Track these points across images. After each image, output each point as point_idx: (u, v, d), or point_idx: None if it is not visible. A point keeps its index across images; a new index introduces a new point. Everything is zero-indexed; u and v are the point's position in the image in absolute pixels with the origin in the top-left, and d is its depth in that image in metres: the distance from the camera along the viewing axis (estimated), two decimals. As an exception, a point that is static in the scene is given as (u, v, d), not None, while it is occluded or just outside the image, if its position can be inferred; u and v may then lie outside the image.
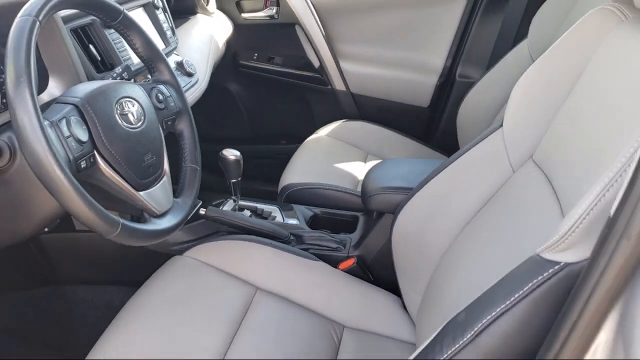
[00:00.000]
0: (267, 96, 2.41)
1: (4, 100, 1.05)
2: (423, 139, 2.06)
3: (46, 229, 1.03)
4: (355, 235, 1.47)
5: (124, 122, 0.95)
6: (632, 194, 0.45)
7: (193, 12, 1.95)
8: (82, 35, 1.18)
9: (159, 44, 1.41)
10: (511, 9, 1.94)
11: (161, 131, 1.06)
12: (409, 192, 1.20)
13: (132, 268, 1.30)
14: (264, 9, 2.21)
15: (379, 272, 1.39)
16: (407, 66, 2.16)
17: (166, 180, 1.04)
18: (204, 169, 1.21)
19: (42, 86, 1.07)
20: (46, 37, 1.05)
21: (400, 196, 1.25)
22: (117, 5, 1.02)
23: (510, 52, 1.78)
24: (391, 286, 1.29)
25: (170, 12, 1.63)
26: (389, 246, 1.26)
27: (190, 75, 1.49)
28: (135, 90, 1.01)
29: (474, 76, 2.00)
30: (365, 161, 1.85)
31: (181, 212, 1.05)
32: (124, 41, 1.28)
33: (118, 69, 1.14)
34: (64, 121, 0.85)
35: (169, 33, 1.54)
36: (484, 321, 0.66)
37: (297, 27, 2.20)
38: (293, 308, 1.20)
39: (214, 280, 1.22)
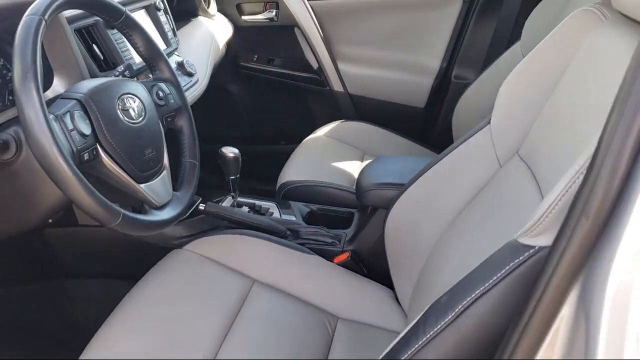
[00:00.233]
0: (267, 97, 2.45)
1: (10, 97, 1.10)
2: (419, 138, 2.10)
3: (50, 220, 1.07)
4: (350, 231, 1.51)
5: (126, 117, 0.99)
6: (590, 177, 0.48)
7: (194, 15, 2.00)
8: (86, 35, 1.22)
9: (160, 44, 1.46)
10: (505, 12, 1.98)
11: (161, 127, 1.10)
12: (402, 188, 1.23)
13: (133, 262, 1.33)
14: (263, 12, 2.25)
15: (372, 266, 1.43)
16: (404, 67, 2.20)
17: (166, 174, 1.08)
18: (205, 168, 1.25)
19: (47, 84, 1.11)
20: (51, 37, 1.09)
21: (393, 192, 1.28)
22: (120, 6, 1.06)
23: (503, 54, 1.82)
24: (384, 279, 1.32)
25: (172, 14, 1.67)
26: (383, 240, 1.30)
27: (190, 75, 1.53)
28: (137, 87, 1.06)
29: (469, 77, 2.04)
30: (362, 160, 1.88)
31: (180, 204, 1.09)
32: (126, 41, 1.32)
33: (120, 68, 1.18)
34: (68, 115, 0.89)
35: (170, 34, 1.58)
36: (464, 302, 0.70)
37: (296, 29, 2.24)
38: (289, 300, 1.24)
39: (212, 272, 1.25)
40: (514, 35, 1.88)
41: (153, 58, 1.15)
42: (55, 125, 0.85)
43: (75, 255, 1.50)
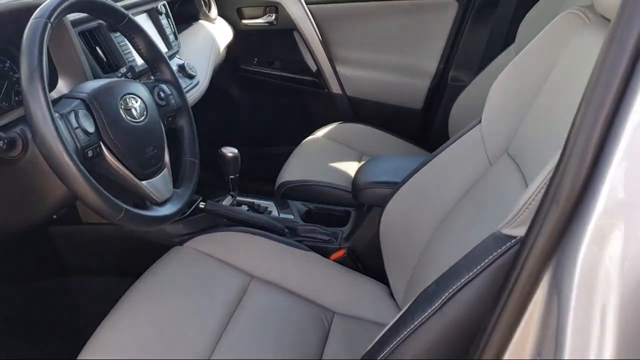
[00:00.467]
0: (266, 99, 2.48)
1: (17, 98, 1.13)
2: (416, 140, 2.13)
3: (55, 216, 1.10)
4: (347, 229, 1.54)
5: (128, 117, 1.03)
6: (560, 167, 0.52)
7: (196, 18, 2.04)
8: (90, 38, 1.27)
9: (162, 47, 1.49)
10: (499, 16, 2.01)
11: (162, 126, 1.14)
12: (396, 186, 1.27)
13: (135, 259, 1.36)
14: (263, 16, 2.29)
15: (368, 263, 1.46)
16: (401, 70, 2.23)
17: (167, 171, 1.12)
18: (205, 169, 1.28)
19: (51, 85, 1.14)
20: (56, 40, 1.13)
21: (388, 190, 1.32)
22: (123, 10, 1.10)
23: (498, 57, 1.85)
24: (380, 275, 1.36)
25: (173, 17, 1.71)
26: (378, 237, 1.33)
27: (191, 77, 1.57)
28: (139, 87, 1.09)
29: (464, 79, 2.07)
30: (359, 161, 1.92)
31: (180, 201, 1.12)
32: (128, 44, 1.36)
33: (123, 69, 1.21)
34: (72, 114, 0.93)
35: (171, 37, 1.62)
36: (450, 291, 0.73)
37: (295, 32, 2.28)
38: (286, 295, 1.27)
39: (212, 268, 1.29)
40: (509, 38, 1.91)
41: (154, 60, 1.19)
42: (61, 123, 0.89)
43: (78, 252, 1.53)
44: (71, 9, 0.96)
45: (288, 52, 2.33)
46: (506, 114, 1.09)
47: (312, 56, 2.28)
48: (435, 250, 1.12)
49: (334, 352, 1.17)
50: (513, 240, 0.69)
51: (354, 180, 1.44)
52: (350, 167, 1.84)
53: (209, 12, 2.08)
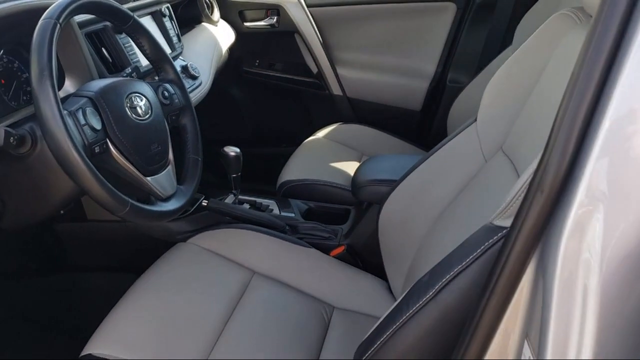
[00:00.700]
0: (268, 100, 2.52)
1: (25, 97, 1.17)
2: (415, 140, 2.16)
3: (62, 212, 1.13)
4: (346, 226, 1.58)
5: (133, 114, 1.06)
6: (545, 156, 0.55)
7: (198, 21, 2.07)
8: (96, 39, 1.30)
9: (165, 49, 1.53)
10: (497, 18, 2.05)
11: (166, 124, 1.17)
12: (394, 184, 1.30)
13: (139, 256, 1.39)
14: (265, 19, 2.33)
15: (367, 259, 1.49)
16: (401, 72, 2.27)
17: (170, 168, 1.15)
18: (207, 169, 1.31)
19: (59, 84, 1.17)
20: (64, 41, 1.16)
21: (386, 188, 1.35)
22: (128, 12, 1.14)
23: (496, 59, 1.88)
24: (378, 271, 1.38)
25: (177, 20, 1.75)
26: (377, 234, 1.36)
27: (194, 78, 1.60)
28: (144, 87, 1.12)
29: (463, 81, 2.11)
30: (359, 161, 1.95)
31: (184, 197, 1.15)
32: (133, 45, 1.40)
33: (128, 70, 1.25)
34: (80, 111, 0.96)
35: (175, 39, 1.66)
36: (443, 280, 0.76)
37: (296, 35, 2.31)
38: (287, 290, 1.30)
39: (214, 264, 1.32)
40: (506, 41, 1.94)
41: (159, 60, 1.22)
42: (69, 120, 0.92)
43: (84, 249, 1.56)
44: (79, 10, 0.99)
45: (289, 54, 2.36)
46: (500, 112, 1.11)
47: (313, 58, 2.32)
48: (432, 245, 1.15)
49: (333, 345, 1.19)
50: (504, 231, 0.71)
51: (354, 178, 1.47)
52: (350, 167, 1.87)
53: (211, 14, 2.11)
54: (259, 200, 1.66)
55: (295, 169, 1.80)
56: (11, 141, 0.92)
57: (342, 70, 2.33)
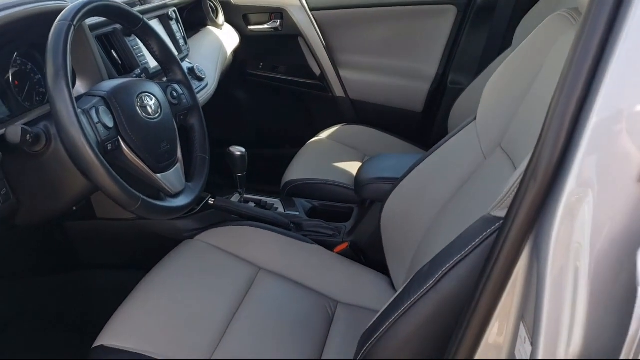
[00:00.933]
0: (272, 102, 2.56)
1: (37, 98, 1.20)
2: (417, 141, 2.19)
3: (74, 208, 1.17)
4: (349, 224, 1.61)
5: (144, 113, 1.09)
6: (538, 146, 0.58)
7: (204, 24, 2.11)
8: (106, 42, 1.34)
9: (173, 50, 1.56)
10: (497, 21, 2.08)
11: (175, 124, 1.21)
12: (396, 181, 1.33)
13: (147, 253, 1.42)
14: (268, 22, 2.37)
15: (370, 255, 1.52)
16: (402, 74, 2.31)
17: (179, 166, 1.18)
18: (212, 169, 1.34)
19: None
20: (75, 43, 1.19)
21: (388, 185, 1.38)
22: (138, 15, 1.17)
23: (496, 60, 1.91)
24: (381, 267, 1.41)
25: (183, 24, 1.79)
26: (379, 232, 1.39)
27: (200, 79, 1.64)
28: (153, 87, 1.16)
29: (463, 83, 2.14)
30: (361, 161, 1.98)
31: (192, 194, 1.19)
32: (141, 48, 1.44)
33: (137, 71, 1.29)
34: (93, 110, 1.00)
35: (181, 42, 1.70)
36: (443, 269, 0.79)
37: (299, 38, 2.36)
38: (292, 285, 1.33)
39: (221, 260, 1.35)
40: (506, 43, 1.98)
41: (167, 62, 1.26)
42: (83, 118, 0.96)
43: (93, 247, 1.59)
44: (92, 12, 1.03)
45: (293, 57, 2.40)
46: (499, 110, 1.15)
47: (316, 61, 2.36)
48: (433, 240, 1.18)
49: (337, 338, 1.22)
50: (502, 221, 0.75)
51: (357, 177, 1.50)
52: (353, 167, 1.90)
53: (216, 18, 2.15)
54: (264, 199, 1.70)
55: (299, 169, 1.84)
56: (27, 139, 0.96)
57: (345, 73, 2.37)
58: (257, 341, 1.15)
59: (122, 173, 1.02)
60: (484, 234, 0.76)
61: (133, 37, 1.42)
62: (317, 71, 2.38)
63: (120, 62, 1.36)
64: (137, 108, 1.09)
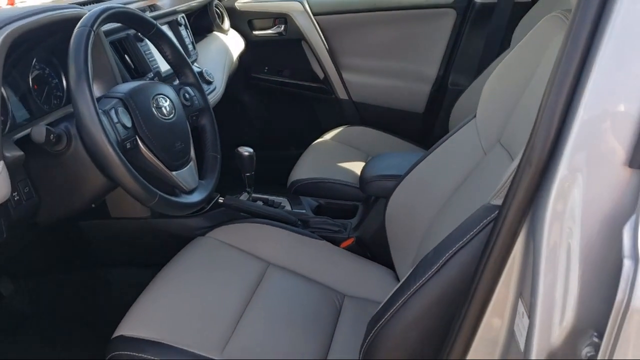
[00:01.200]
0: (276, 105, 2.62)
1: (55, 101, 1.26)
2: (419, 141, 2.24)
3: (93, 205, 1.22)
4: (355, 220, 1.66)
5: (159, 114, 1.15)
6: (532, 135, 0.64)
7: (210, 30, 2.17)
8: (119, 47, 1.39)
9: (183, 55, 1.62)
10: (495, 23, 2.13)
11: (188, 124, 1.26)
12: (400, 178, 1.38)
13: (159, 251, 1.47)
14: (273, 27, 2.44)
15: (375, 250, 1.57)
16: (404, 76, 2.36)
17: (192, 164, 1.24)
18: (220, 171, 1.38)
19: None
20: (91, 48, 1.25)
21: (392, 182, 1.43)
22: (152, 20, 1.23)
23: (495, 61, 1.96)
24: (386, 261, 1.46)
25: (190, 29, 1.84)
26: (384, 226, 1.44)
27: (209, 83, 1.69)
28: (167, 89, 1.22)
29: (463, 84, 2.19)
30: (365, 161, 2.02)
31: (205, 190, 1.24)
32: (152, 52, 1.49)
33: (150, 74, 1.34)
34: (113, 110, 1.05)
35: (190, 47, 1.76)
36: (446, 255, 0.84)
37: (303, 42, 2.42)
38: (300, 279, 1.38)
39: (232, 256, 1.40)
40: (504, 44, 2.03)
41: (179, 65, 1.31)
42: (104, 118, 1.01)
43: (107, 245, 1.65)
44: (110, 19, 1.09)
45: (296, 60, 2.47)
46: (498, 108, 1.19)
47: (320, 64, 2.42)
48: (435, 232, 1.23)
49: (345, 330, 1.27)
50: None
51: (362, 174, 1.55)
52: (357, 166, 1.95)
53: (222, 24, 2.21)
54: (271, 197, 1.75)
55: (305, 169, 1.89)
56: (51, 138, 1.01)
57: (348, 75, 2.43)
58: (268, 332, 1.20)
59: (139, 171, 1.07)
60: (484, 221, 0.81)
61: (145, 42, 1.48)
62: (321, 74, 2.44)
63: (133, 67, 1.41)
64: (153, 109, 1.14)
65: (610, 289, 0.56)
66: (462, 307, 0.76)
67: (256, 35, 2.47)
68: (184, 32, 1.74)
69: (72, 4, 1.31)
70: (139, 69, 1.43)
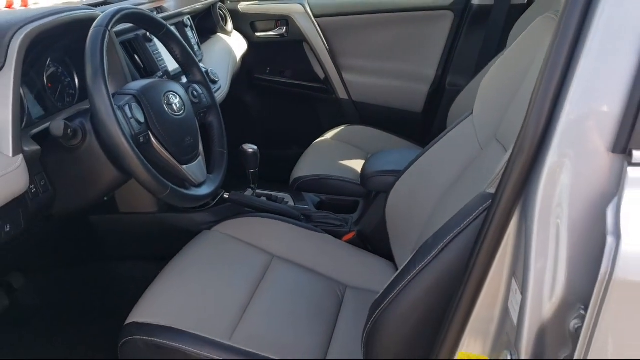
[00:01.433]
0: (278, 105, 2.67)
1: (68, 99, 1.31)
2: (418, 140, 2.29)
3: (105, 198, 1.26)
4: (356, 215, 1.71)
5: (170, 110, 1.20)
6: (524, 123, 0.69)
7: (214, 32, 2.23)
8: (129, 47, 1.44)
9: (190, 55, 1.67)
10: (492, 24, 2.19)
11: (196, 121, 1.31)
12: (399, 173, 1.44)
13: (168, 245, 1.50)
14: (275, 29, 2.49)
15: (376, 243, 1.61)
16: (403, 76, 2.42)
17: (201, 159, 1.29)
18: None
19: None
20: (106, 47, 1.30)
21: (392, 178, 1.48)
22: (162, 21, 1.28)
23: (492, 62, 2.00)
24: (386, 254, 1.51)
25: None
26: (384, 220, 1.49)
27: (214, 82, 1.74)
28: (177, 86, 1.27)
29: (461, 84, 2.24)
30: (365, 159, 2.08)
31: (213, 184, 1.29)
32: (160, 52, 1.54)
33: (159, 74, 1.39)
34: (127, 106, 1.10)
35: (195, 47, 1.81)
36: (445, 241, 0.88)
37: (304, 44, 2.48)
38: (303, 271, 1.42)
39: (237, 249, 1.44)
40: (501, 45, 2.09)
41: (188, 64, 1.36)
42: (119, 114, 1.06)
43: (116, 240, 1.69)
44: (124, 19, 1.14)
45: (298, 61, 2.52)
46: (494, 104, 1.24)
47: (320, 65, 2.48)
48: (434, 224, 1.27)
49: (347, 319, 1.31)
50: (496, 195, 0.85)
51: (363, 170, 1.61)
52: (357, 164, 1.99)
53: (225, 26, 2.27)
54: (274, 193, 1.80)
55: (307, 166, 1.94)
56: (68, 132, 1.06)
57: (348, 76, 2.49)
58: (274, 320, 1.24)
59: (151, 164, 1.11)
60: (480, 208, 0.85)
61: (153, 43, 1.53)
62: (322, 75, 2.49)
63: (142, 66, 1.46)
64: (164, 105, 1.19)
65: (596, 265, 0.61)
66: (460, 287, 0.81)
67: (258, 37, 2.53)
68: (189, 33, 1.79)
69: (86, 5, 1.36)
70: (148, 68, 1.48)
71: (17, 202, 1.01)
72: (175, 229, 1.62)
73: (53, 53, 1.28)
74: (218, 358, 1.09)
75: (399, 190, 1.43)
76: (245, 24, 2.50)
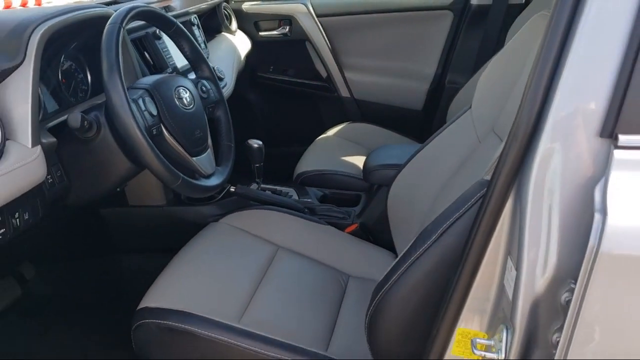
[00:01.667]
0: (281, 103, 2.72)
1: (81, 95, 1.36)
2: (418, 137, 2.33)
3: (118, 189, 1.31)
4: (358, 208, 1.76)
5: (180, 104, 1.25)
6: (518, 113, 0.74)
7: (218, 31, 2.28)
8: (139, 45, 1.49)
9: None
10: (491, 23, 2.24)
11: (205, 115, 1.36)
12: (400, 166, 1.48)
13: (176, 237, 1.54)
14: (278, 28, 2.55)
15: (378, 235, 1.66)
16: (403, 74, 2.47)
17: (210, 151, 1.33)
18: None
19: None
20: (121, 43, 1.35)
21: (393, 171, 1.52)
22: (173, 19, 1.33)
23: (490, 60, 2.06)
24: (388, 245, 1.56)
25: (201, 29, 1.95)
26: (386, 212, 1.53)
27: (220, 79, 1.79)
28: (187, 81, 1.31)
29: (460, 82, 2.28)
30: (366, 156, 2.13)
31: (222, 175, 1.34)
32: (169, 49, 1.59)
33: (169, 70, 1.44)
34: (140, 100, 1.15)
35: (202, 45, 1.86)
36: (444, 226, 0.93)
37: (307, 43, 2.53)
38: (308, 261, 1.47)
39: (244, 240, 1.49)
40: (499, 43, 2.14)
41: (197, 60, 1.41)
42: (133, 106, 1.11)
43: (126, 232, 1.74)
44: (137, 17, 1.19)
45: (301, 60, 2.58)
46: (491, 99, 1.29)
47: (323, 64, 2.53)
48: (434, 213, 1.31)
49: (349, 307, 1.35)
50: (492, 182, 0.89)
51: (365, 164, 1.65)
52: (359, 160, 2.04)
53: (230, 25, 2.32)
54: (279, 187, 1.85)
55: (310, 161, 1.99)
56: (85, 124, 1.11)
57: (350, 74, 2.54)
58: (280, 307, 1.29)
59: (163, 155, 1.15)
60: (477, 195, 0.90)
61: (162, 40, 1.58)
62: (324, 73, 2.54)
63: (152, 63, 1.51)
64: (175, 99, 1.24)
65: (585, 242, 0.66)
66: (458, 267, 0.85)
67: (262, 36, 2.58)
68: (196, 32, 1.84)
69: (98, 3, 1.41)
70: (157, 64, 1.53)
71: (36, 192, 1.06)
72: (183, 222, 1.66)
73: (67, 50, 1.33)
74: (227, 339, 1.14)
75: (400, 183, 1.48)
76: (249, 23, 2.55)
